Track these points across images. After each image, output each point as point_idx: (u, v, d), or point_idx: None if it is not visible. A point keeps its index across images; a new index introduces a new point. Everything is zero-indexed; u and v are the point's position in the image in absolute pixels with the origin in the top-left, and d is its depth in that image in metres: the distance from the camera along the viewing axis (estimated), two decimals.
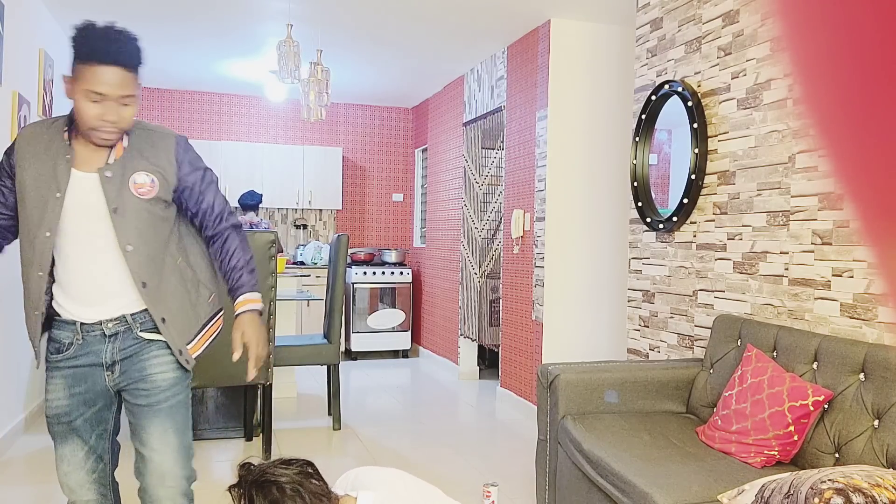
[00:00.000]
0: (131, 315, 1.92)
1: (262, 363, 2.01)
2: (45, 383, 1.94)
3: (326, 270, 6.83)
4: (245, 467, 1.65)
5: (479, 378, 6.25)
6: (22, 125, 4.05)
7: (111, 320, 1.91)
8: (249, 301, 2.02)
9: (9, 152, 1.90)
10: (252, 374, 2.03)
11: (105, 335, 1.91)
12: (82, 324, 1.90)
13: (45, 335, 1.96)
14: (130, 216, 1.87)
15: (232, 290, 2.04)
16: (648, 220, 3.62)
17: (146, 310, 1.93)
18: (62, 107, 5.20)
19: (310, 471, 1.65)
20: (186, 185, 1.96)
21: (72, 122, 1.87)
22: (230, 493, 1.64)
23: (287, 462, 1.65)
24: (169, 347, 1.96)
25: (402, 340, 7.22)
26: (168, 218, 1.96)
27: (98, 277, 1.90)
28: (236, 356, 1.97)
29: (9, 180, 1.89)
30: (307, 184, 7.32)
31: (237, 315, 2.02)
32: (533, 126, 4.89)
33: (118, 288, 1.91)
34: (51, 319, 1.95)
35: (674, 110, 3.48)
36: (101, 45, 1.75)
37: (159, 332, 1.95)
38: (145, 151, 1.91)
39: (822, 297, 2.63)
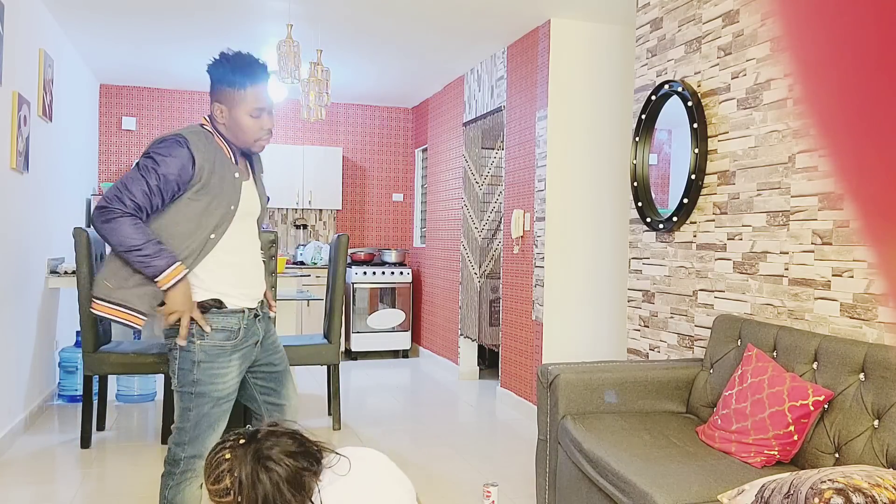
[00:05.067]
0: (261, 298, 2.35)
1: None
2: (210, 367, 2.17)
3: (326, 270, 6.83)
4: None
5: (479, 378, 6.25)
6: (22, 125, 4.04)
7: (258, 303, 2.32)
8: None
9: (189, 161, 2.11)
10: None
11: (256, 317, 2.30)
12: (249, 309, 2.25)
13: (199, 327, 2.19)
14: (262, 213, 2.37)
15: None
16: (648, 220, 3.62)
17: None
18: (62, 107, 5.20)
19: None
20: None
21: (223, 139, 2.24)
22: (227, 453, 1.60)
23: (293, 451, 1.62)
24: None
25: (402, 340, 7.22)
26: None
27: (259, 268, 2.32)
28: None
29: (174, 189, 2.12)
30: (307, 184, 7.32)
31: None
32: (533, 126, 4.89)
33: (261, 275, 2.34)
34: (205, 310, 2.20)
35: (674, 110, 3.48)
36: (256, 69, 2.16)
37: (268, 309, 2.42)
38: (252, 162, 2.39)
39: (822, 297, 2.63)
